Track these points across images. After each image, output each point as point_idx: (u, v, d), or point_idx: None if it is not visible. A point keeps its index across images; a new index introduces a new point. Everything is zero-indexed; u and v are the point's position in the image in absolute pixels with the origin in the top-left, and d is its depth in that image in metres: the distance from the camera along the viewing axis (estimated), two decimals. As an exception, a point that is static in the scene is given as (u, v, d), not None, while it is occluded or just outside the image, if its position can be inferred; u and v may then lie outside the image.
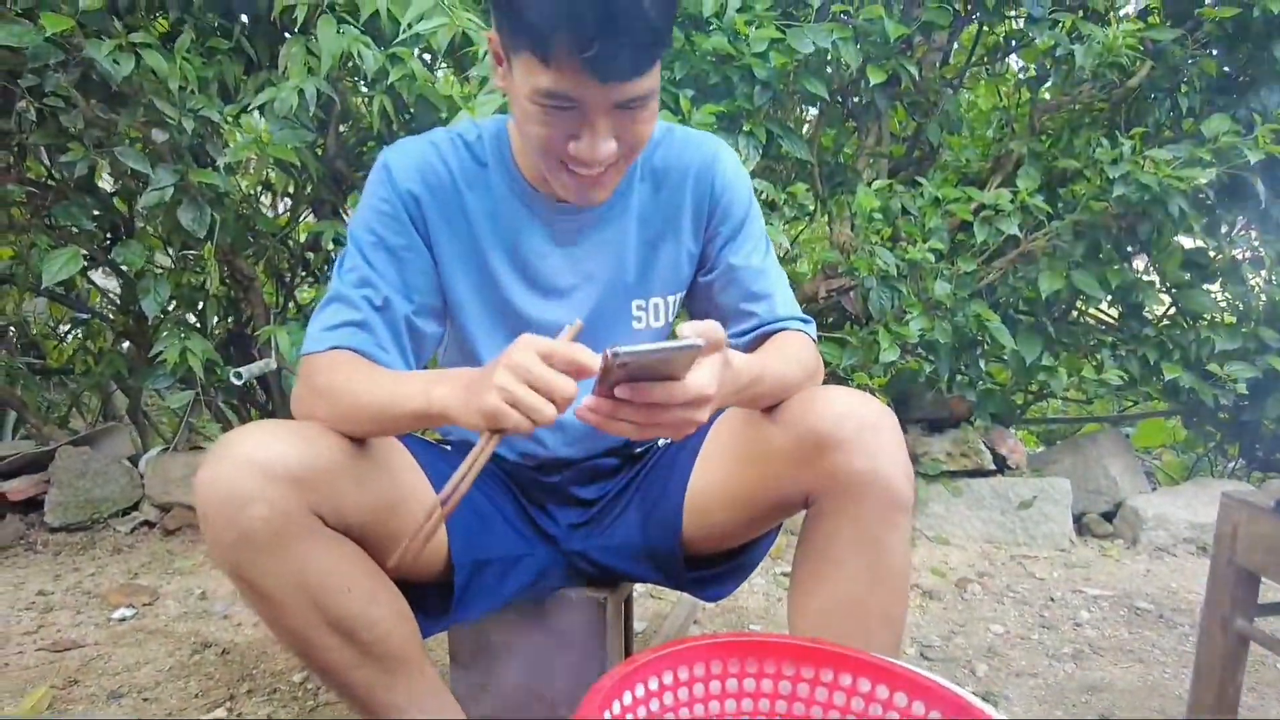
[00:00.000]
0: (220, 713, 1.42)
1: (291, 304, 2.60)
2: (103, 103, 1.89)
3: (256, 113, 1.86)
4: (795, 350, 1.10)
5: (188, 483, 2.43)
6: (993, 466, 2.47)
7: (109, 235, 2.33)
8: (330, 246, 2.15)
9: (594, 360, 0.79)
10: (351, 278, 1.03)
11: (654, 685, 0.74)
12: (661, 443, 1.25)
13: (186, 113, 1.86)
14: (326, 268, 2.52)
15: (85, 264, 2.09)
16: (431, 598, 1.09)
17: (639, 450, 1.25)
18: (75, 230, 2.09)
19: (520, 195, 1.08)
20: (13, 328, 2.66)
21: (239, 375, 2.08)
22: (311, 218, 2.50)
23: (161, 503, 2.44)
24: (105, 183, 2.30)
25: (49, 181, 2.19)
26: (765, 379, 0.99)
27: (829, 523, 1.01)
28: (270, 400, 2.56)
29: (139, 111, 1.87)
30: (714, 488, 1.12)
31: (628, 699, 0.71)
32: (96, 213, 2.14)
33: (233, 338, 2.50)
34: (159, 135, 1.86)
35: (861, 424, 0.98)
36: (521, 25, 0.86)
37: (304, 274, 2.60)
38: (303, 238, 2.51)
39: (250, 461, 0.87)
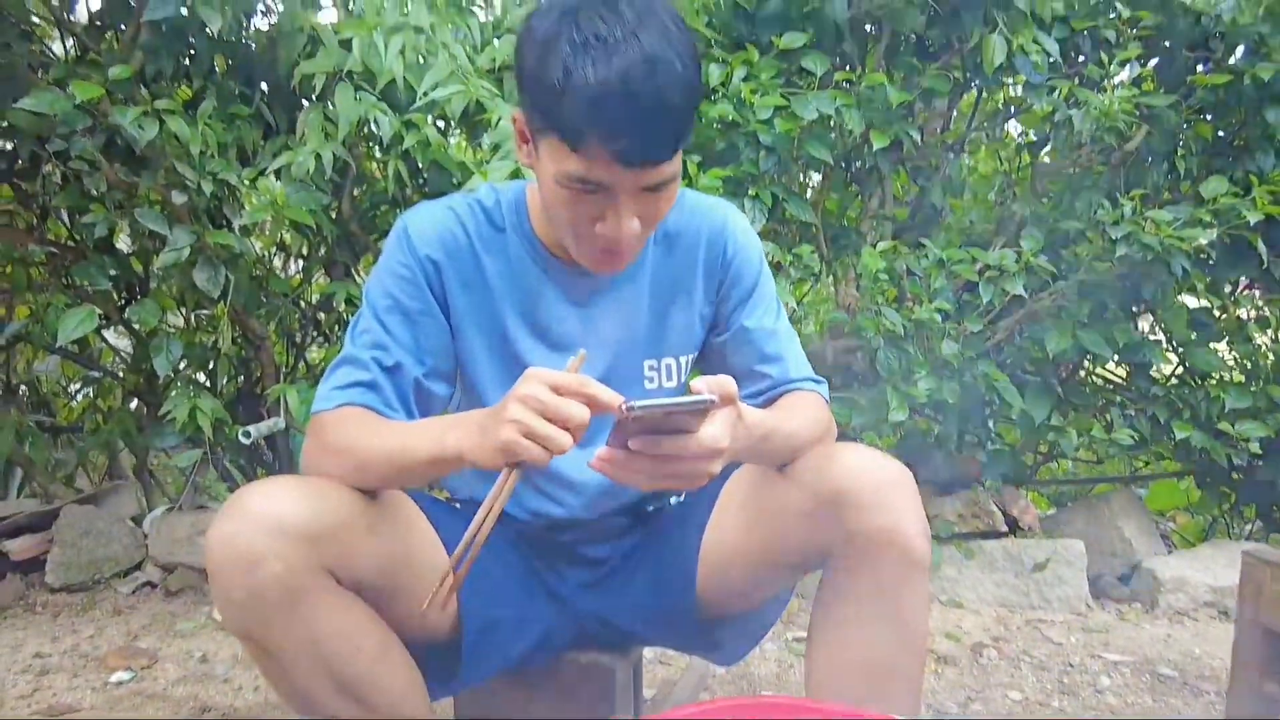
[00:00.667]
0: (219, 781, 1.38)
1: (302, 364, 2.62)
2: (125, 165, 1.94)
3: (273, 176, 1.90)
4: (808, 409, 1.10)
5: (192, 543, 2.41)
6: (1004, 528, 2.44)
7: (124, 295, 2.36)
8: (342, 307, 2.17)
9: (601, 389, 0.81)
10: (364, 340, 1.04)
11: None
12: (674, 500, 1.25)
13: (205, 175, 1.91)
14: (338, 328, 2.55)
15: (100, 323, 2.11)
16: (437, 660, 1.07)
17: (650, 509, 1.24)
18: (92, 290, 2.12)
19: (537, 259, 1.10)
20: (24, 386, 2.68)
21: (248, 434, 2.08)
22: (324, 279, 2.53)
23: (165, 563, 2.41)
24: (123, 244, 2.34)
25: (68, 242, 2.23)
26: (778, 435, 0.99)
27: (846, 581, 1.00)
28: (278, 460, 2.55)
29: (159, 175, 1.92)
30: (728, 545, 1.11)
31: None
32: (113, 273, 2.18)
33: (242, 397, 2.51)
34: (178, 197, 1.90)
35: (880, 481, 0.97)
36: (552, 115, 0.89)
37: (315, 334, 2.62)
38: (315, 299, 2.54)
39: (263, 519, 0.87)
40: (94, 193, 1.91)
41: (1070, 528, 2.56)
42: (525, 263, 1.10)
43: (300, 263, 2.54)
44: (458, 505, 1.27)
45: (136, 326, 2.26)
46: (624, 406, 0.72)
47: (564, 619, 1.19)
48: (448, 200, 1.12)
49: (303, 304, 2.50)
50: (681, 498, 1.25)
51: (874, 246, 2.12)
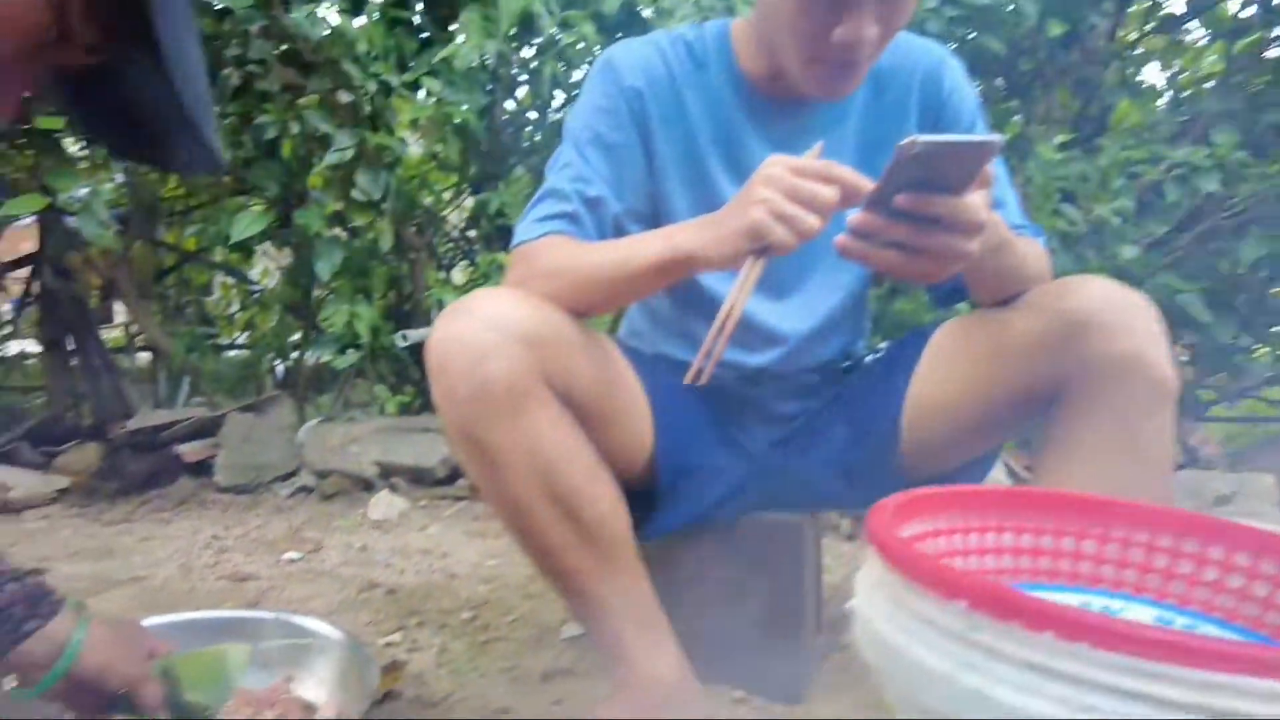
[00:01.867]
0: (395, 637, 1.41)
1: (450, 278, 2.67)
2: (293, 69, 2.00)
3: (433, 77, 1.92)
4: (1032, 248, 1.03)
5: (344, 451, 2.50)
6: (1181, 460, 2.26)
7: (285, 205, 2.45)
8: (493, 216, 2.19)
9: (848, 171, 0.77)
10: (566, 173, 1.03)
11: (931, 526, 0.66)
12: (870, 357, 1.19)
13: (369, 77, 1.94)
14: (482, 248, 2.58)
15: (268, 224, 2.20)
16: (630, 504, 1.05)
17: (846, 365, 1.19)
18: (260, 195, 2.21)
19: (740, 97, 1.06)
20: (192, 305, 2.84)
21: (404, 337, 2.13)
22: (470, 201, 2.57)
23: (319, 469, 2.51)
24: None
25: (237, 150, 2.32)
26: (1013, 252, 0.93)
27: (1083, 414, 0.92)
28: (424, 376, 2.62)
29: (326, 78, 1.97)
30: (939, 394, 1.04)
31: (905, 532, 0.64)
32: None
33: (393, 311, 2.58)
34: (344, 97, 1.95)
35: (1125, 304, 0.89)
36: None
37: (460, 255, 2.67)
38: (463, 218, 2.58)
39: (490, 319, 0.86)
40: (268, 92, 1.97)
41: (1256, 462, 2.36)
42: (728, 100, 1.06)
43: (453, 176, 2.58)
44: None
45: (295, 241, 2.35)
46: (907, 142, 0.66)
47: (752, 475, 1.15)
48: (650, 36, 1.10)
49: (452, 219, 2.55)
50: (877, 355, 1.18)
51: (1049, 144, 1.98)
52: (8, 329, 3.25)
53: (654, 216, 1.09)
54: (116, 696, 0.81)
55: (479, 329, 0.85)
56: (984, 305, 1.03)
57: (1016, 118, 2.41)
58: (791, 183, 0.77)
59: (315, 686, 1.10)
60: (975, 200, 0.75)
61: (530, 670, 1.28)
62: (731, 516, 1.17)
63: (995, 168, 1.09)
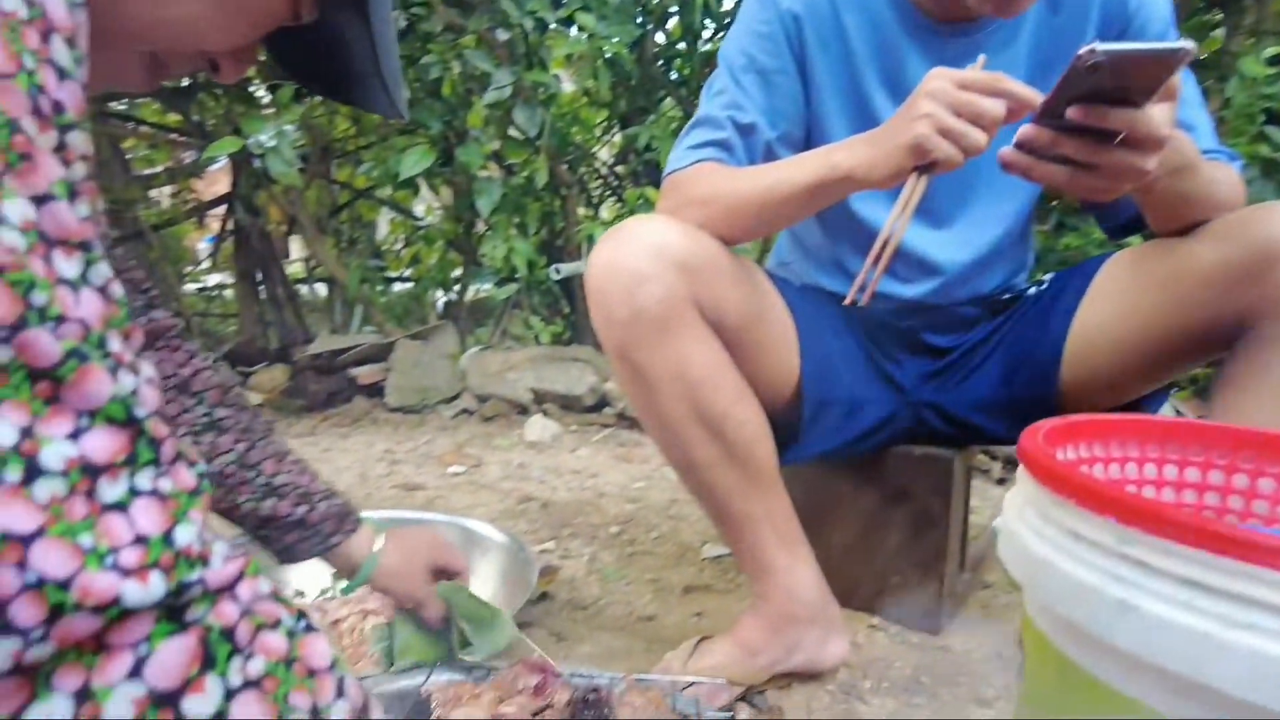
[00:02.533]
0: (549, 545, 1.52)
1: (598, 215, 2.74)
2: (454, 9, 2.08)
3: (586, 12, 1.95)
4: (1222, 173, 0.95)
5: (502, 377, 2.66)
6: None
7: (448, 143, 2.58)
8: (642, 151, 2.22)
9: (1017, 83, 0.74)
10: (720, 100, 1.03)
11: (1088, 453, 0.65)
12: (1033, 290, 1.14)
13: (526, 14, 1.99)
14: (631, 181, 2.63)
15: (432, 163, 2.32)
16: (774, 430, 1.07)
17: (1007, 297, 1.15)
18: (424, 135, 2.33)
19: (903, 18, 1.02)
20: (363, 240, 3.05)
21: (557, 270, 2.22)
22: (619, 138, 2.61)
23: (479, 394, 2.68)
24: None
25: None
26: (1199, 175, 0.86)
27: (1270, 350, 0.86)
28: (574, 309, 2.72)
29: (485, 17, 2.04)
30: (1107, 326, 1.00)
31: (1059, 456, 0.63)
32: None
33: (547, 246, 2.68)
34: (502, 35, 2.01)
35: None
36: None
37: (613, 185, 2.72)
38: (612, 154, 2.63)
39: (647, 244, 0.90)
40: (431, 32, 2.07)
41: None
42: (889, 21, 1.03)
43: (604, 111, 2.63)
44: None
45: (456, 178, 2.47)
46: (1086, 50, 0.63)
47: (901, 408, 1.15)
48: None
49: (603, 155, 2.60)
50: (1040, 287, 1.13)
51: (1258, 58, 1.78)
52: (207, 263, 3.62)
53: (809, 143, 1.08)
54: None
55: (636, 254, 0.89)
56: (1162, 235, 0.97)
57: (1218, 31, 2.16)
58: (956, 96, 0.74)
59: (481, 583, 1.21)
60: (1156, 114, 0.70)
61: (673, 583, 1.35)
62: (878, 448, 1.17)
63: (1185, 85, 1.01)
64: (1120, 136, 0.71)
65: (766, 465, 0.99)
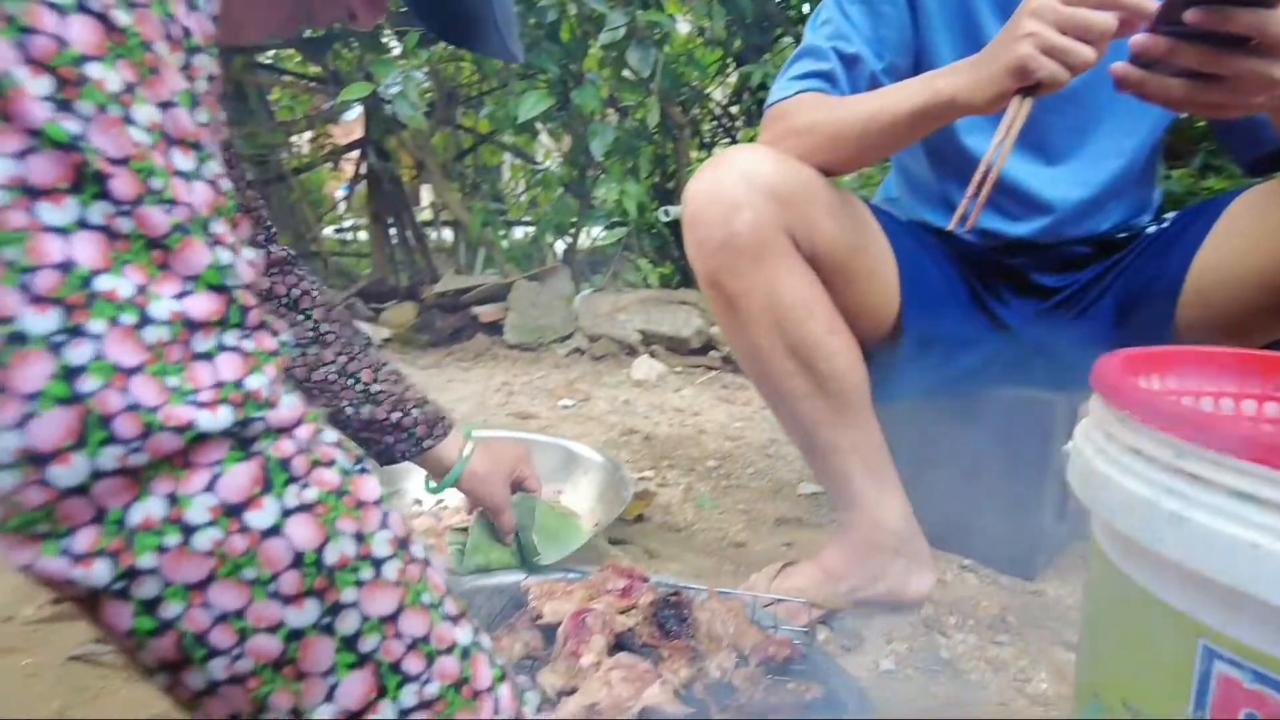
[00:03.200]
0: (649, 473, 1.58)
1: (711, 156, 2.74)
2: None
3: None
4: None
5: (612, 318, 2.73)
6: None
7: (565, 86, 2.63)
8: (756, 89, 2.20)
9: None
10: (824, 30, 1.03)
11: (1160, 384, 0.63)
12: (1152, 228, 1.09)
13: (641, -48, 2.00)
14: (744, 121, 2.60)
15: (549, 106, 2.38)
16: (871, 366, 1.08)
17: (1123, 236, 1.10)
18: (542, 79, 2.39)
19: None
20: (485, 185, 3.17)
21: (666, 213, 2.25)
22: (733, 79, 2.58)
23: (591, 334, 2.77)
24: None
25: (521, 36, 2.52)
26: None
27: None
28: (682, 253, 2.74)
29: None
30: (1230, 265, 0.94)
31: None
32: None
33: (658, 189, 2.71)
34: (619, -26, 2.03)
35: None
36: None
37: (726, 126, 2.70)
38: (727, 95, 2.61)
39: (742, 172, 0.91)
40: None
41: None
42: None
43: (718, 51, 2.61)
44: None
45: (572, 121, 2.52)
46: None
47: (1006, 349, 1.12)
48: None
49: (714, 100, 2.58)
50: (1161, 225, 1.08)
51: None
52: (343, 206, 3.84)
53: (917, 72, 1.06)
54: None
55: (730, 182, 0.91)
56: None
57: None
58: (1061, 11, 0.71)
59: (580, 499, 1.29)
60: None
61: (765, 515, 1.39)
62: (978, 388, 1.16)
63: None
64: (1249, 42, 0.65)
65: (857, 398, 1.00)
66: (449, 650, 0.34)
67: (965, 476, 1.20)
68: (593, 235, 3.01)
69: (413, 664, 0.33)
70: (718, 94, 2.60)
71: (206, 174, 0.32)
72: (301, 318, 0.88)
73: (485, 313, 2.93)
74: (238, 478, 0.30)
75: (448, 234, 3.80)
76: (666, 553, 1.24)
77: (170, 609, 0.29)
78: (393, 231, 3.43)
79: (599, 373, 2.50)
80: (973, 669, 0.95)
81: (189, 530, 0.29)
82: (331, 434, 0.35)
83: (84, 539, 0.29)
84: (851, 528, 1.02)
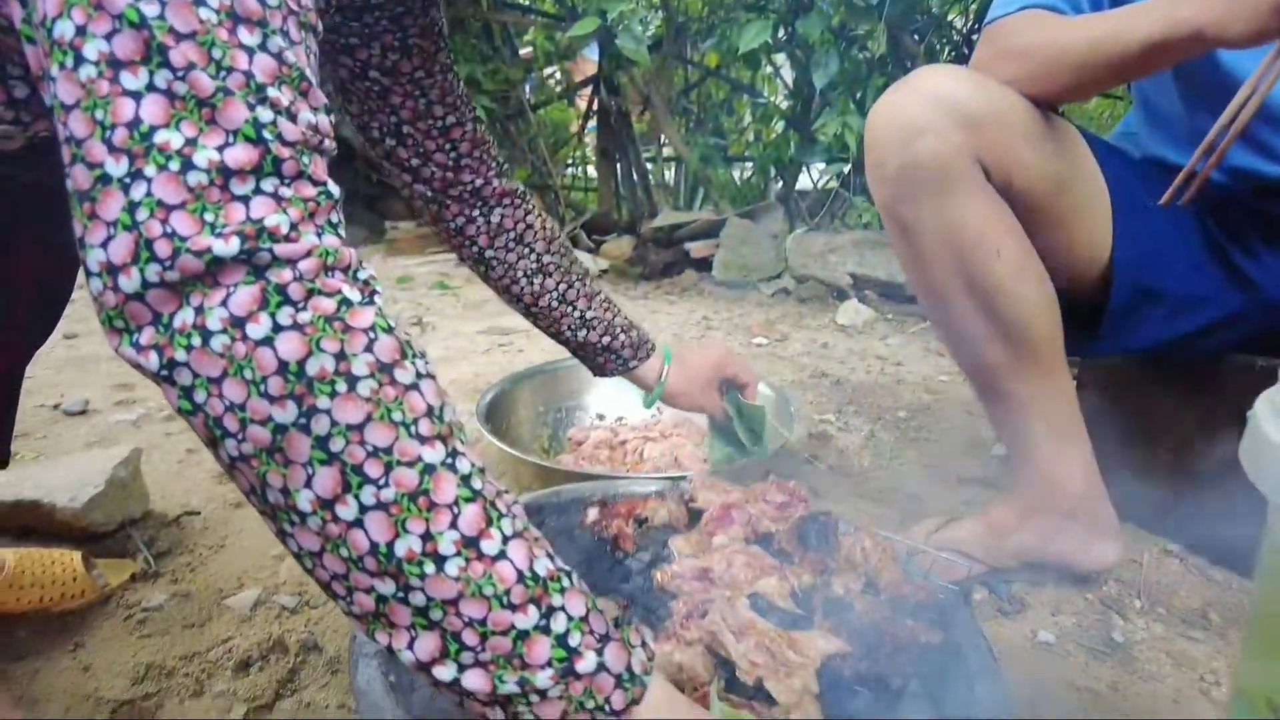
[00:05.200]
0: (830, 416, 1.55)
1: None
2: None
3: None
4: None
5: (824, 259, 2.65)
6: None
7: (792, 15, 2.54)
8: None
9: None
10: None
11: None
12: None
13: None
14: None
15: (772, 35, 2.32)
16: (1075, 314, 0.97)
17: None
18: (769, 9, 2.32)
19: None
20: (710, 120, 3.16)
21: (886, 148, 2.12)
22: (975, 3, 2.35)
23: (799, 274, 2.71)
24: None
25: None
26: None
27: None
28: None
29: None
30: None
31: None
32: None
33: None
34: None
35: None
36: None
37: (967, 55, 2.49)
38: (966, 24, 2.39)
39: (928, 94, 0.85)
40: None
41: None
42: None
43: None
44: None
45: (797, 52, 2.44)
46: None
47: (1251, 308, 0.96)
48: None
49: (955, 29, 2.38)
50: None
51: None
52: (575, 139, 4.01)
53: None
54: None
55: (915, 104, 0.85)
56: None
57: None
58: None
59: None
60: None
61: (949, 472, 1.31)
62: (1210, 351, 1.01)
63: None
64: None
65: (1045, 347, 0.91)
66: (410, 464, 0.38)
67: (1181, 451, 1.06)
68: (813, 173, 2.91)
69: (373, 469, 0.37)
70: (957, 20, 2.38)
71: (271, 48, 0.38)
72: (526, 250, 0.98)
73: (697, 248, 2.96)
74: (243, 297, 0.36)
75: (671, 169, 3.85)
76: (833, 495, 1.21)
77: (198, 396, 0.37)
78: (619, 166, 3.54)
79: (801, 314, 2.46)
80: (1150, 660, 0.86)
81: (207, 335, 0.36)
82: (357, 273, 0.40)
83: (145, 335, 0.36)
84: (1024, 485, 0.94)
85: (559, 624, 0.40)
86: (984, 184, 0.86)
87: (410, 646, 0.39)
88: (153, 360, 0.37)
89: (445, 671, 0.39)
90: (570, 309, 1.01)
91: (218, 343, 0.36)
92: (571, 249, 1.06)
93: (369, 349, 0.38)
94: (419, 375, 0.40)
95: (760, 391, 1.28)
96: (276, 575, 0.98)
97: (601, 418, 1.41)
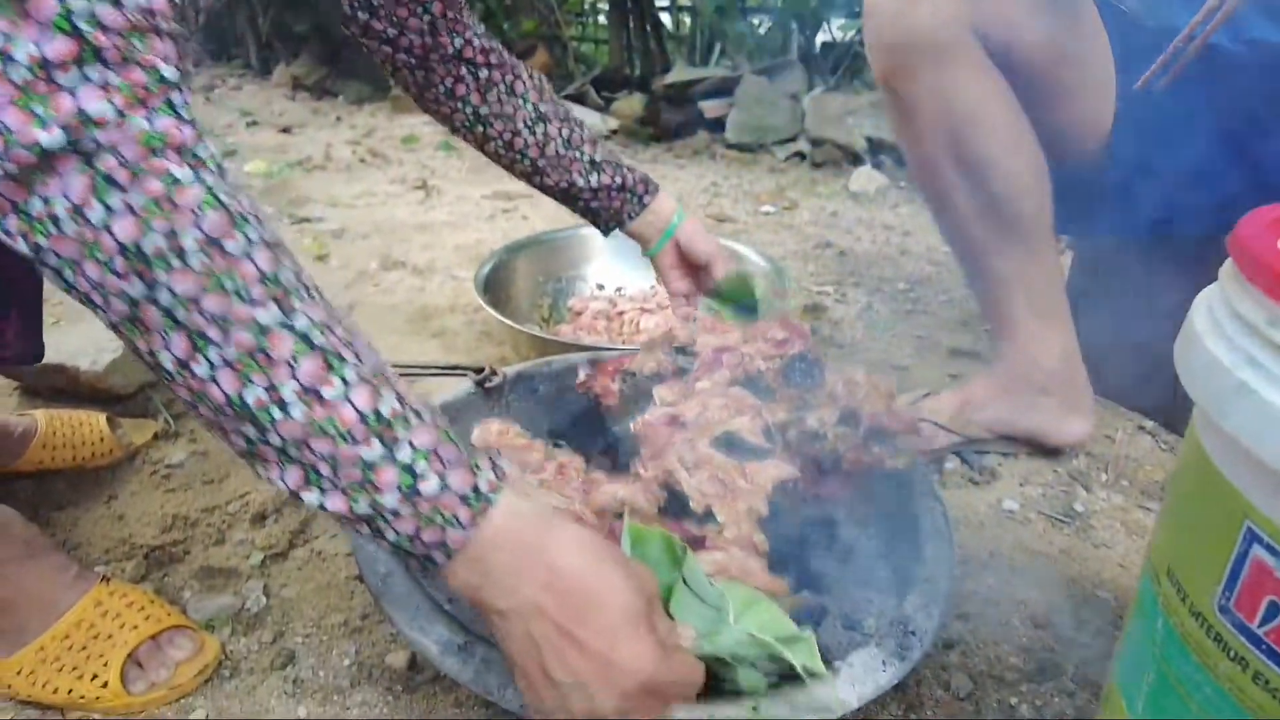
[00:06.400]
0: (828, 289, 1.56)
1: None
2: None
3: None
4: None
5: (841, 121, 2.57)
6: None
7: None
8: None
9: None
10: None
11: None
12: None
13: None
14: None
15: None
16: (1069, 191, 0.96)
17: None
18: None
19: None
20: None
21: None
22: None
23: (814, 137, 2.64)
24: None
25: None
26: None
27: None
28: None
29: None
30: None
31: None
32: None
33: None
34: None
35: None
36: None
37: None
38: None
39: None
40: None
41: None
42: None
43: None
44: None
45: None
46: None
47: (1246, 189, 0.95)
48: None
49: None
50: None
51: None
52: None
53: None
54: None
55: (912, -26, 0.81)
56: None
57: None
58: None
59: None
60: None
61: (941, 344, 1.34)
62: (1203, 233, 1.00)
63: None
64: None
65: (1034, 224, 0.91)
66: (245, 326, 0.42)
67: (1170, 332, 1.07)
68: (834, 27, 2.77)
69: (213, 333, 0.42)
70: None
71: None
72: (520, 101, 0.95)
73: (710, 107, 2.87)
74: (77, 185, 0.39)
75: (687, 21, 3.66)
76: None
77: (67, 275, 0.41)
78: (630, 19, 3.37)
79: (814, 180, 2.41)
80: (1105, 528, 0.91)
81: (58, 221, 0.39)
82: (196, 152, 0.42)
83: (10, 223, 0.40)
84: (1002, 359, 0.97)
85: (404, 454, 0.45)
86: (980, 56, 0.84)
87: (282, 478, 0.45)
88: (22, 245, 0.40)
89: (311, 497, 0.45)
90: (579, 153, 0.97)
91: (69, 228, 0.39)
92: (562, 101, 1.02)
93: (197, 225, 0.41)
94: (250, 243, 0.43)
95: (755, 263, 1.29)
96: (288, 436, 1.04)
97: (601, 288, 1.43)
